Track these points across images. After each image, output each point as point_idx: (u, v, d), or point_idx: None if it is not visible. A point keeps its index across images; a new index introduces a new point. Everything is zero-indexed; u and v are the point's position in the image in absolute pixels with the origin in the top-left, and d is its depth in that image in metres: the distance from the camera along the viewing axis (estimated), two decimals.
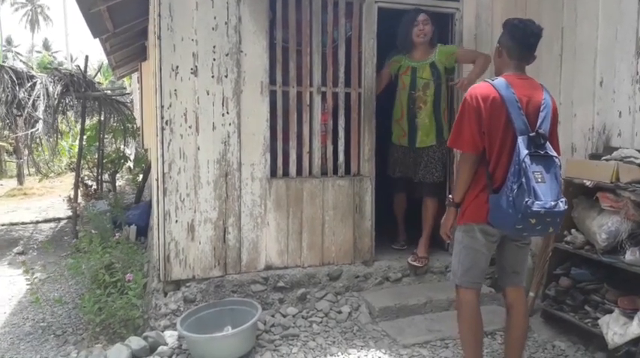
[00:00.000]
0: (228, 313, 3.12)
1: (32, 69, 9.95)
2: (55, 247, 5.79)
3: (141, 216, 5.76)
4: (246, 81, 3.36)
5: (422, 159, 3.78)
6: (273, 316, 3.30)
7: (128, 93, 10.89)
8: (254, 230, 3.45)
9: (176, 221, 3.27)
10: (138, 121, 9.79)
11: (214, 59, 3.27)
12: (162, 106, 3.18)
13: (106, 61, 9.64)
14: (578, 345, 2.99)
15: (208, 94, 3.28)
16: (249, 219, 3.43)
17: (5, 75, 6.17)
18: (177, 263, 3.29)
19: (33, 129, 6.17)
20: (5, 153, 13.29)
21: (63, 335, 3.58)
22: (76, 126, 9.75)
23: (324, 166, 3.63)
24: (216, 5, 3.24)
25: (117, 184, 9.37)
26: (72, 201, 6.77)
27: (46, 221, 7.83)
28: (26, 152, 9.38)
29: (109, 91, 8.73)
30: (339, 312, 3.37)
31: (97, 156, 8.68)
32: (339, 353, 2.93)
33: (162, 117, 3.19)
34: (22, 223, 7.69)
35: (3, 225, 7.59)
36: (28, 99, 6.09)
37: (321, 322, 3.28)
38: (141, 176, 8.09)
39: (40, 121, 6.03)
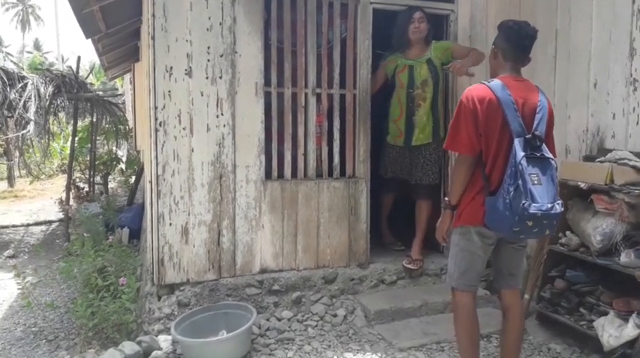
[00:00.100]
0: (222, 317, 3.09)
1: (23, 69, 9.86)
2: (47, 250, 5.74)
3: (133, 218, 5.74)
4: (241, 82, 3.33)
5: (418, 161, 3.78)
6: (268, 320, 3.28)
7: (120, 95, 10.82)
8: (249, 233, 3.42)
9: (170, 224, 3.23)
10: (130, 123, 9.72)
11: (209, 60, 3.25)
12: (155, 107, 3.15)
13: (98, 62, 9.57)
14: (573, 348, 2.99)
15: (202, 95, 3.25)
16: (243, 221, 3.40)
17: None
18: (171, 266, 3.26)
19: (24, 131, 6.13)
20: None
21: (55, 340, 3.53)
22: (67, 128, 9.69)
23: (319, 168, 3.62)
24: (210, 6, 3.22)
25: (109, 186, 9.30)
26: (63, 203, 6.71)
27: (37, 224, 7.73)
28: (17, 154, 9.28)
29: (101, 92, 8.67)
30: (335, 315, 3.35)
31: (88, 158, 8.62)
32: (335, 357, 2.91)
33: (155, 119, 3.16)
34: (13, 226, 7.59)
35: None
36: (19, 100, 6.04)
37: (316, 325, 3.26)
38: (133, 178, 8.04)
39: (32, 123, 5.98)
